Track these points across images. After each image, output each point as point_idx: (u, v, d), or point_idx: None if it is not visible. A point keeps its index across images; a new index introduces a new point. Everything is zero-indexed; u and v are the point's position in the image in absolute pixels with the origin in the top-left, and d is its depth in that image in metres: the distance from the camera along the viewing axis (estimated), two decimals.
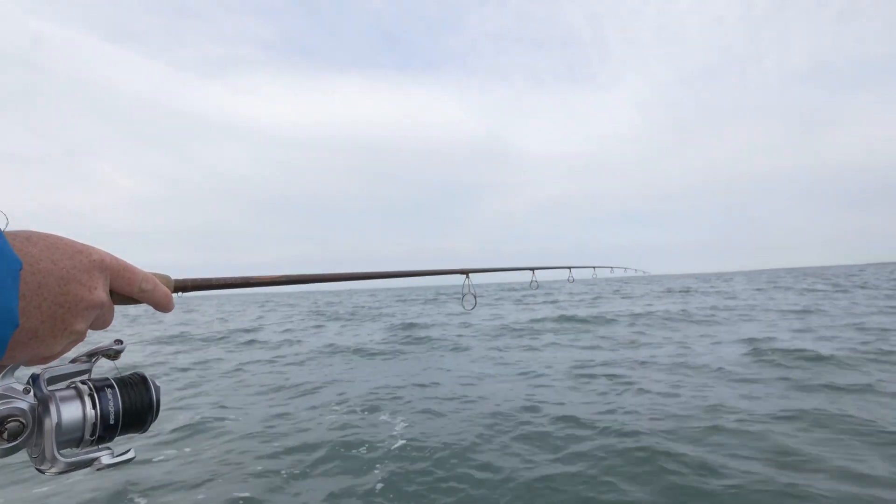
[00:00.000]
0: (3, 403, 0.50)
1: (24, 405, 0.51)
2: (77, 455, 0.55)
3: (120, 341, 0.66)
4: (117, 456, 0.58)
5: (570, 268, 3.72)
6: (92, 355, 0.63)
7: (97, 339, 0.68)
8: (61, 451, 0.53)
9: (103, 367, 0.65)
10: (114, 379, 0.63)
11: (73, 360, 0.62)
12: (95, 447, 0.57)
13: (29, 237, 0.48)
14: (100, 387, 0.60)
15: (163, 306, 0.64)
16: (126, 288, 0.58)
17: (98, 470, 0.57)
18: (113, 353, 0.65)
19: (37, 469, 0.55)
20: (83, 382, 0.60)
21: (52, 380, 0.57)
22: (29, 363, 0.58)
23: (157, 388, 0.65)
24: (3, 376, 0.51)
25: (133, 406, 0.61)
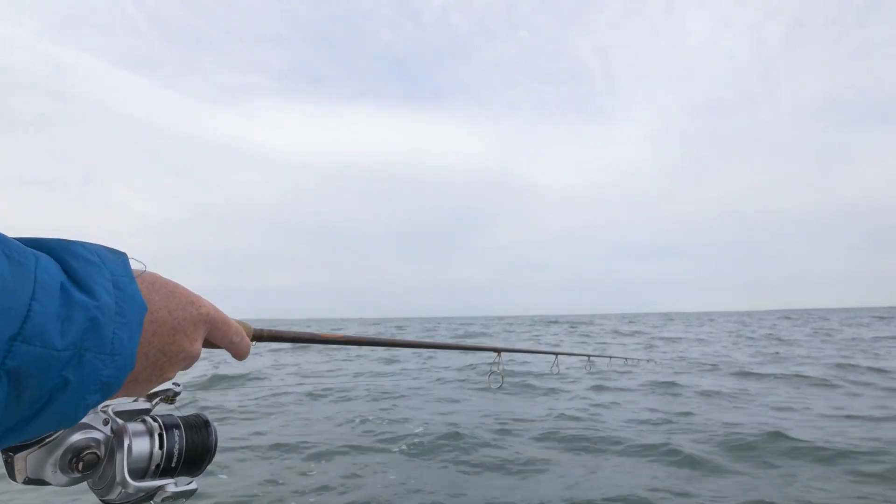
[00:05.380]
0: (84, 433, 0.51)
1: (100, 436, 0.52)
2: (144, 482, 0.55)
3: (177, 384, 0.67)
4: (181, 486, 0.58)
5: (589, 356, 3.70)
6: (153, 397, 0.64)
7: None
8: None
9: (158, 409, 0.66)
10: (180, 419, 0.66)
11: (135, 400, 0.63)
12: (159, 478, 0.58)
13: (154, 282, 0.50)
14: (168, 426, 0.61)
15: (241, 356, 0.66)
16: (219, 339, 0.60)
17: (163, 500, 0.57)
18: (171, 395, 0.66)
19: (102, 500, 0.56)
20: (153, 419, 0.61)
21: (117, 415, 0.58)
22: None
23: (216, 434, 0.67)
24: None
25: (195, 448, 0.62)
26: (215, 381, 9.90)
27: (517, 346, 1.91)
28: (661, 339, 23.17)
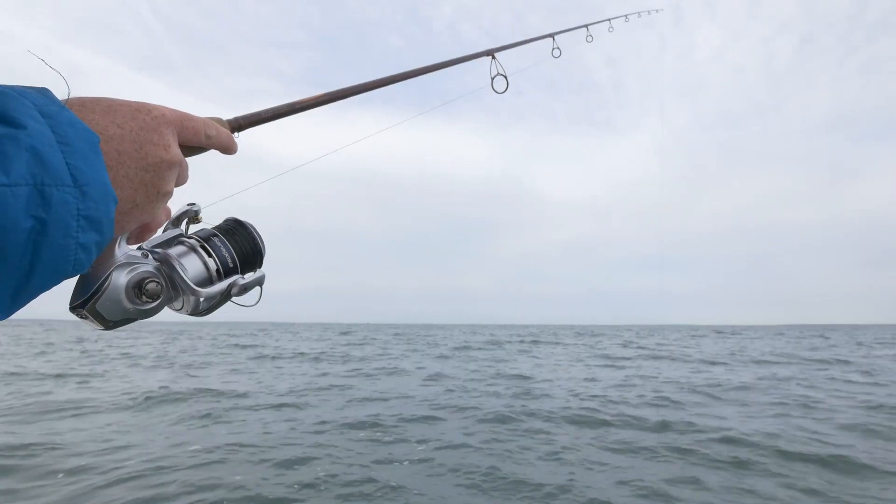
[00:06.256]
0: (133, 269, 0.53)
1: (149, 267, 0.54)
2: (215, 286, 0.59)
3: (193, 203, 0.67)
4: (248, 277, 0.63)
5: (587, 25, 3.42)
6: (177, 220, 0.65)
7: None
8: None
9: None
10: (214, 228, 0.66)
11: (163, 231, 0.63)
12: (226, 279, 0.61)
13: (83, 104, 0.46)
14: (205, 237, 0.62)
15: (228, 148, 0.64)
16: (193, 138, 0.57)
17: (240, 291, 0.61)
18: (193, 215, 0.66)
19: (191, 315, 0.61)
20: (188, 237, 0.62)
21: (154, 248, 0.59)
22: (135, 238, 0.58)
23: (253, 225, 0.68)
24: (119, 246, 0.53)
25: (243, 246, 0.64)
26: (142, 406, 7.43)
27: (510, 42, 1.75)
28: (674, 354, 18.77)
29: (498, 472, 4.55)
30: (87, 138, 0.41)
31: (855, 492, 4.11)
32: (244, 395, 8.55)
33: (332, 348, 22.00)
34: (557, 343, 27.76)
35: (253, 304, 0.66)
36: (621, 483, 4.29)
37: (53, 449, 5.14)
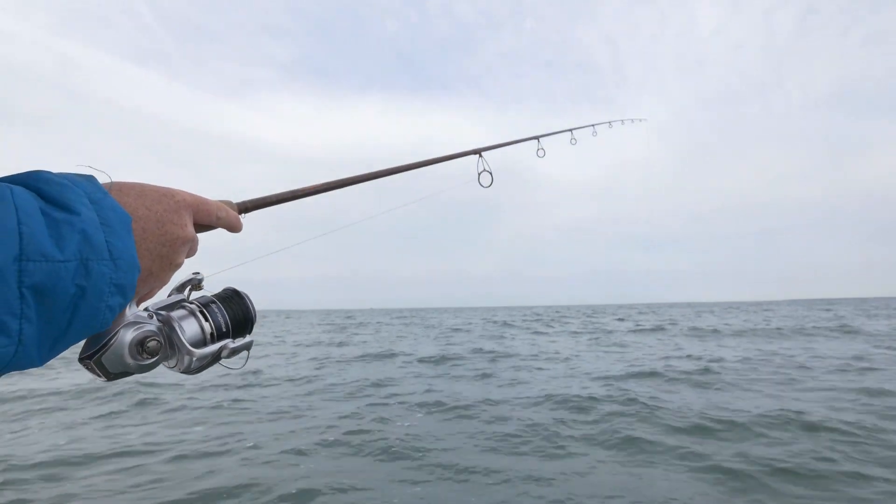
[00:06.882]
0: (138, 328, 0.60)
1: (152, 327, 0.61)
2: (207, 347, 0.66)
3: (198, 273, 0.75)
4: (239, 342, 0.70)
5: (571, 130, 3.72)
6: (181, 287, 0.73)
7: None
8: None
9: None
10: (213, 296, 0.75)
11: (168, 295, 0.72)
12: (218, 342, 0.68)
13: (121, 188, 0.56)
14: (205, 303, 0.70)
15: (234, 227, 0.75)
16: (206, 219, 0.67)
17: (229, 354, 0.68)
18: (197, 283, 0.74)
19: (183, 373, 0.67)
20: (190, 303, 0.70)
21: (159, 310, 0.66)
22: (141, 298, 0.68)
23: (250, 298, 0.77)
24: (130, 307, 0.60)
25: (237, 314, 0.72)
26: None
27: (496, 143, 1.94)
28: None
29: (493, 460, 4.40)
30: (122, 220, 0.50)
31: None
32: (242, 384, 8.63)
33: (333, 333, 22.24)
34: (561, 320, 28.64)
35: (239, 367, 0.74)
36: (618, 469, 4.21)
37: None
